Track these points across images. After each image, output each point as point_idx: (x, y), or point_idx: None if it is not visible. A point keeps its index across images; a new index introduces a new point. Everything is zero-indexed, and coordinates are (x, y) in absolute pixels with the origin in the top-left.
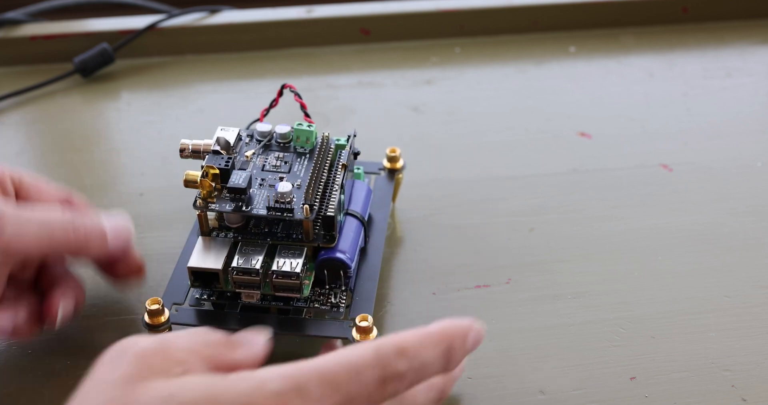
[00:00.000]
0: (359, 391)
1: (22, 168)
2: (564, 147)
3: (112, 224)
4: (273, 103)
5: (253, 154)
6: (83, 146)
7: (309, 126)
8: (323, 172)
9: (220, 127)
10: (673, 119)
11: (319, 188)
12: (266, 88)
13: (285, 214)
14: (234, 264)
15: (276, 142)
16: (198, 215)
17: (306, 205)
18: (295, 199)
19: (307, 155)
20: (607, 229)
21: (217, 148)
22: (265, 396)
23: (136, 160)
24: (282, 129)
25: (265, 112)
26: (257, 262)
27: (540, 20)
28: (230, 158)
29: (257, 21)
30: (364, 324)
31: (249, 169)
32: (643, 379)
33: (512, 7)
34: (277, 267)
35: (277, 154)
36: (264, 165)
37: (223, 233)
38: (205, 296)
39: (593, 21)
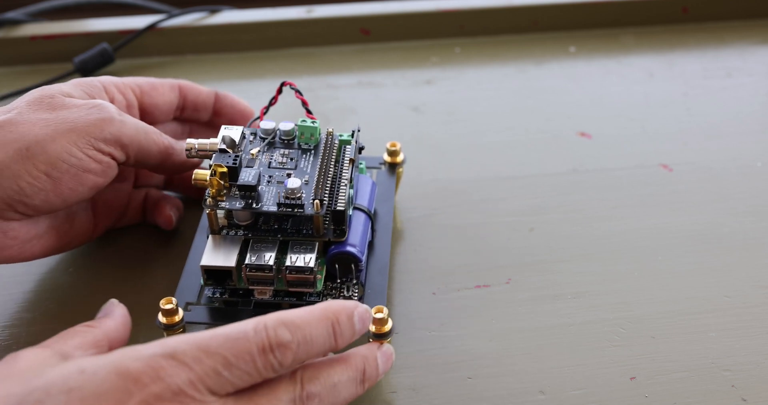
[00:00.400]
0: (237, 356)
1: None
2: (564, 147)
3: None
4: (272, 101)
5: (259, 151)
6: None
7: (313, 122)
8: (330, 167)
9: (224, 126)
10: (673, 119)
11: (327, 183)
12: (266, 88)
13: (296, 210)
14: (247, 261)
15: (280, 139)
16: (208, 214)
17: (317, 201)
18: (304, 195)
19: (312, 151)
20: (607, 229)
21: (223, 146)
22: (137, 358)
23: None
24: (286, 126)
25: (264, 110)
26: (270, 258)
27: (540, 20)
28: (237, 156)
29: (257, 21)
30: (379, 315)
31: (256, 167)
32: (643, 379)
33: (512, 7)
34: (291, 262)
35: (282, 151)
36: (270, 162)
37: (233, 231)
38: (218, 294)
39: (593, 21)
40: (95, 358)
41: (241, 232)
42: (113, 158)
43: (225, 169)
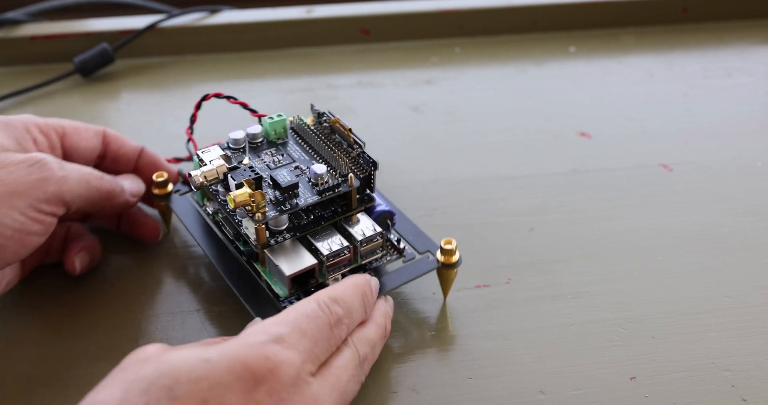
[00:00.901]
0: (319, 333)
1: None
2: (564, 147)
3: (129, 182)
4: (193, 119)
5: (249, 160)
6: None
7: (279, 115)
8: (330, 144)
9: (201, 151)
10: (673, 119)
11: (343, 157)
12: (266, 88)
13: (336, 191)
14: (326, 253)
15: (251, 143)
16: (258, 229)
17: (350, 175)
18: (329, 177)
19: (289, 141)
20: (607, 229)
21: (234, 163)
22: (252, 345)
23: None
24: (253, 129)
25: (190, 130)
26: (341, 241)
27: (540, 20)
28: (250, 167)
29: (257, 21)
30: (449, 247)
31: (267, 170)
32: (643, 379)
33: (512, 7)
34: (362, 235)
35: (267, 151)
36: (268, 164)
37: (278, 238)
38: (294, 299)
39: (593, 21)
40: (216, 347)
41: (287, 235)
42: (55, 216)
43: (253, 182)
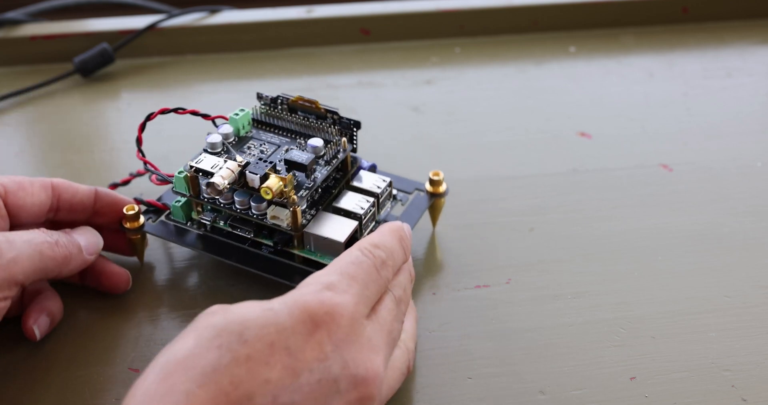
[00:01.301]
0: (367, 277)
1: (21, 167)
2: (564, 147)
3: (85, 238)
4: (139, 142)
5: (240, 156)
6: (83, 146)
7: (242, 110)
8: (305, 120)
9: (192, 162)
10: (673, 119)
11: (328, 127)
12: (266, 88)
13: (337, 158)
14: (361, 211)
15: (226, 143)
16: (293, 212)
17: (343, 139)
18: (326, 148)
19: (256, 132)
20: (607, 229)
21: (249, 159)
22: (307, 293)
23: (136, 160)
24: (224, 130)
25: (141, 153)
26: (365, 197)
27: (540, 20)
28: (260, 158)
29: (257, 21)
30: (437, 178)
31: (266, 160)
32: (643, 379)
33: (512, 7)
34: (378, 188)
35: (246, 146)
36: (261, 157)
37: (306, 216)
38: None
39: (593, 21)
40: (276, 299)
41: (312, 212)
42: (8, 299)
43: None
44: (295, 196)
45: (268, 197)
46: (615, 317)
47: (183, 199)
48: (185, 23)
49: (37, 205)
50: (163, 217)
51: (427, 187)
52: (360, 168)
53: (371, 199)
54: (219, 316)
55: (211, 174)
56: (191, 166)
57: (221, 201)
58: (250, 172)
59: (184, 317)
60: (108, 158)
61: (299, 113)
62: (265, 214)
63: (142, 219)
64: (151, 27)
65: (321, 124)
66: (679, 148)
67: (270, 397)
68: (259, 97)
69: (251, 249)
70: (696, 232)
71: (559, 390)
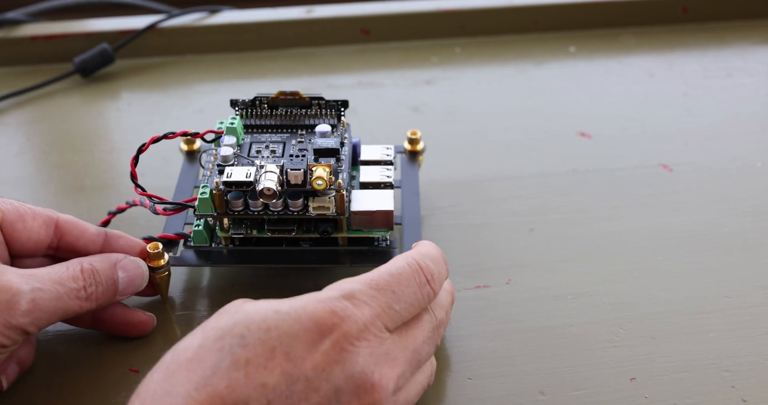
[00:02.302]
0: (404, 290)
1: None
2: (564, 147)
3: (127, 275)
4: (134, 177)
5: (260, 160)
6: (83, 146)
7: (233, 118)
8: (292, 113)
9: (224, 178)
10: (673, 119)
11: (326, 112)
12: (266, 88)
13: (347, 135)
14: (391, 179)
15: (235, 155)
16: (338, 197)
17: (343, 119)
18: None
19: (248, 136)
20: (607, 229)
21: (276, 163)
22: (321, 300)
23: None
24: (229, 141)
25: (139, 188)
26: (382, 168)
27: (540, 20)
28: (291, 154)
29: (257, 21)
30: (414, 137)
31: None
32: (643, 379)
33: (512, 7)
34: (390, 157)
35: (255, 150)
36: (274, 158)
37: (349, 199)
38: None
39: (593, 21)
40: (289, 300)
41: (348, 189)
42: (26, 332)
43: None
44: (340, 182)
45: (321, 188)
46: (615, 317)
47: (202, 222)
48: (185, 23)
49: (33, 241)
50: (181, 247)
51: (406, 145)
52: (355, 145)
53: (390, 167)
54: (227, 317)
55: (250, 183)
56: (219, 183)
57: (271, 209)
58: (291, 169)
59: (184, 318)
60: (108, 158)
61: (281, 109)
62: (303, 208)
63: (166, 256)
64: (151, 27)
65: (308, 112)
66: (679, 148)
67: (264, 402)
68: (233, 103)
69: (291, 248)
70: (696, 232)
71: (559, 390)
